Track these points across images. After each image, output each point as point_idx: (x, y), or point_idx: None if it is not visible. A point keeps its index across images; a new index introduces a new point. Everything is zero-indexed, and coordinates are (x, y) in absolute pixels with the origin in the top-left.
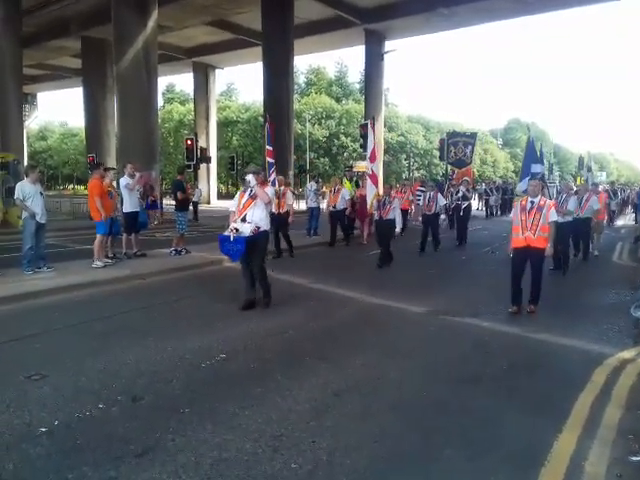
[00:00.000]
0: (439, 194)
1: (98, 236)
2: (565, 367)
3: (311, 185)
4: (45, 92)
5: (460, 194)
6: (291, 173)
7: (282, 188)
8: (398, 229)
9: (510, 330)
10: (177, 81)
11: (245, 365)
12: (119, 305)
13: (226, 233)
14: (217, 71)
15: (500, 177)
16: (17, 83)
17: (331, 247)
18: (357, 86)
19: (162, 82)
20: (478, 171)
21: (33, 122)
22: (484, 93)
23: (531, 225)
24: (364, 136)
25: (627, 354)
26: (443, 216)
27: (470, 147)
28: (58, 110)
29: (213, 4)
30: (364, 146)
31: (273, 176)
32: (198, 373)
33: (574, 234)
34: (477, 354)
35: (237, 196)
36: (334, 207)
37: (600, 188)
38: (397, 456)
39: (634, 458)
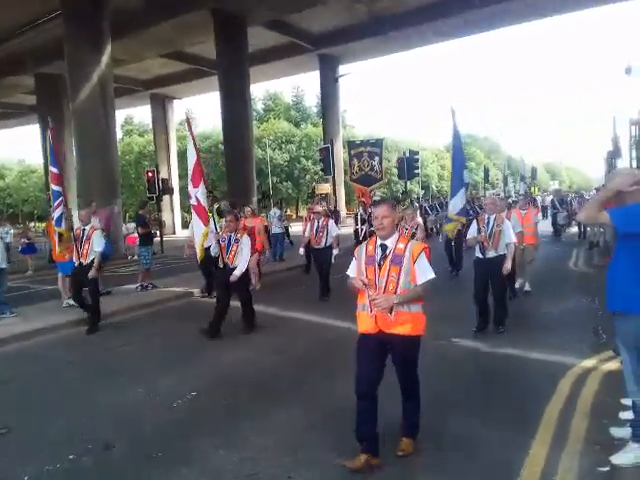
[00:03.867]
0: (330, 222)
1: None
2: (531, 380)
3: (274, 212)
4: (0, 130)
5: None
6: (255, 199)
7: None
8: (335, 253)
9: (474, 345)
10: (135, 113)
11: (218, 401)
12: (87, 348)
13: None
14: (175, 102)
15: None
16: None
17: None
18: (314, 110)
19: (120, 115)
20: (437, 186)
21: None
22: (438, 110)
23: (384, 289)
24: (323, 159)
25: (588, 363)
26: (336, 251)
27: (377, 158)
28: (15, 147)
29: (168, 37)
30: (324, 169)
31: (59, 210)
32: (170, 414)
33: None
34: (445, 373)
35: None
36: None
37: (538, 199)
38: None
39: (601, 469)
